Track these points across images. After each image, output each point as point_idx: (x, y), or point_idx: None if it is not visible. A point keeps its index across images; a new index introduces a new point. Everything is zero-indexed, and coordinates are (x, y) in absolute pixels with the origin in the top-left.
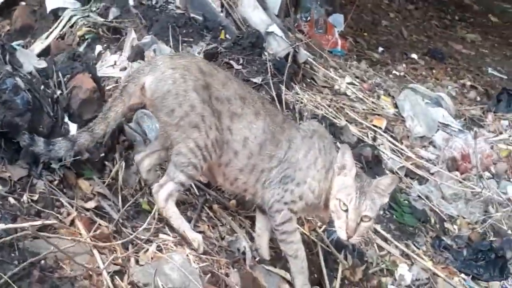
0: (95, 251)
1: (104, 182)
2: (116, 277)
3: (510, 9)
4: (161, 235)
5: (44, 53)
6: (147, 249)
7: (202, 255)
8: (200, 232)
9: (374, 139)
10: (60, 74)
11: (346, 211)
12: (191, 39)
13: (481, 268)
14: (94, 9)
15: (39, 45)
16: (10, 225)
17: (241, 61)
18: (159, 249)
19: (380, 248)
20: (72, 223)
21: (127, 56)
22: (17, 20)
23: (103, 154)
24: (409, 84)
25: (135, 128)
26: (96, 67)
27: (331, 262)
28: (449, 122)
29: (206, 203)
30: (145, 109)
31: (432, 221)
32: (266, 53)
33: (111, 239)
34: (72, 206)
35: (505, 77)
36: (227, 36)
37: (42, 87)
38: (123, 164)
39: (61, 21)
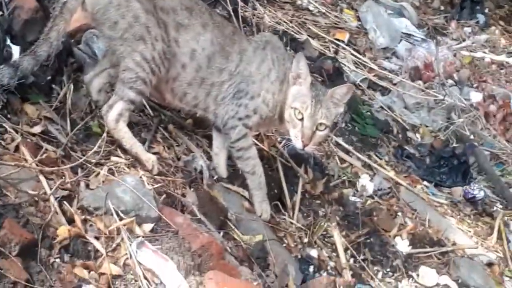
0: (41, 177)
1: (51, 106)
2: (65, 202)
3: None
4: (113, 158)
5: None
6: (98, 173)
7: (156, 176)
8: (155, 153)
9: (336, 52)
10: None
11: (302, 119)
12: None
13: (444, 174)
14: None
15: None
16: None
17: None
18: (111, 172)
19: (342, 160)
20: (17, 149)
21: None
22: None
23: (49, 77)
24: None
25: (85, 49)
26: None
27: (291, 176)
28: (412, 32)
29: (161, 123)
30: (94, 29)
31: (395, 131)
32: None
33: (59, 164)
34: (17, 132)
35: None
36: None
37: None
38: (72, 86)
39: None
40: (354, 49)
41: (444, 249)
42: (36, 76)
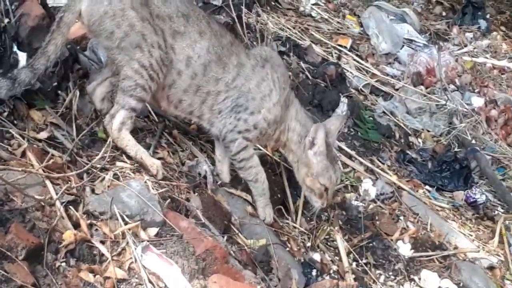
0: (47, 182)
1: (57, 112)
2: (71, 207)
3: None
4: (118, 163)
5: None
6: (103, 178)
7: (161, 181)
8: (159, 158)
9: (339, 58)
10: (7, 1)
11: (327, 189)
12: None
13: (446, 179)
14: None
15: None
16: None
17: None
18: (116, 177)
19: (345, 165)
20: (24, 154)
21: None
22: None
23: (55, 84)
24: (374, 2)
25: (90, 56)
26: None
27: (294, 181)
28: (414, 38)
29: (166, 129)
30: None
31: (397, 135)
32: None
33: (65, 169)
34: (23, 137)
35: None
36: None
37: None
38: (77, 93)
39: None
40: (357, 55)
41: (445, 253)
42: (42, 82)
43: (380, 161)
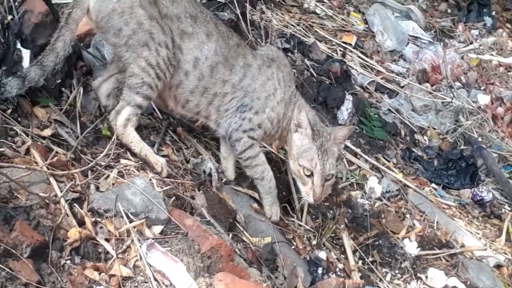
0: (52, 180)
1: (61, 109)
2: (75, 204)
3: None
4: (122, 161)
5: None
6: (108, 175)
7: (166, 179)
8: (164, 156)
9: (344, 55)
10: None
11: (311, 175)
12: None
13: (452, 177)
14: None
15: None
16: None
17: None
18: (121, 174)
19: (350, 163)
20: (28, 152)
21: None
22: None
23: (59, 81)
24: None
25: (94, 53)
26: None
27: None
28: (419, 35)
29: (170, 126)
30: None
31: (402, 133)
32: None
33: (69, 167)
34: (27, 135)
35: None
36: None
37: None
38: (81, 90)
39: None
40: (362, 52)
41: (452, 251)
42: (46, 79)
43: (385, 159)
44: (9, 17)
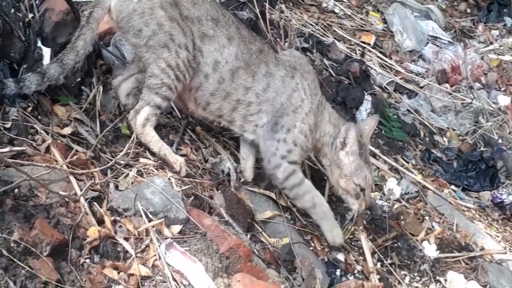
0: (71, 178)
1: (81, 108)
2: (95, 203)
3: None
4: (141, 159)
5: None
6: (127, 174)
7: (184, 178)
8: (182, 155)
9: (362, 55)
10: None
11: (363, 190)
12: None
13: (472, 179)
14: None
15: None
16: None
17: None
18: (140, 173)
19: None
20: (48, 150)
21: None
22: None
23: (79, 79)
24: None
25: (114, 51)
26: None
27: (318, 179)
28: (438, 35)
29: (189, 125)
30: None
31: (422, 134)
32: None
33: (89, 165)
34: (47, 133)
35: None
36: None
37: (13, 10)
38: (101, 88)
39: None
40: (380, 52)
41: (472, 254)
42: (66, 78)
43: (404, 160)
44: (30, 15)
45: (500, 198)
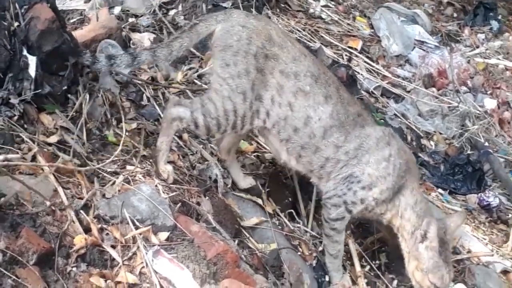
0: (58, 186)
1: (67, 116)
2: (81, 211)
3: None
4: (128, 167)
5: None
6: (114, 182)
7: (172, 185)
8: (170, 162)
9: (349, 60)
10: (17, 5)
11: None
12: None
13: (459, 182)
14: None
15: None
16: None
17: None
18: (127, 181)
19: None
20: (34, 158)
21: None
22: None
23: (65, 87)
24: (385, 3)
25: None
26: None
27: (305, 185)
28: (425, 39)
29: (176, 132)
30: (110, 39)
31: (409, 138)
32: None
33: (75, 174)
34: (33, 142)
35: None
36: None
37: None
38: (87, 96)
39: None
40: (367, 57)
41: (459, 257)
42: (52, 86)
43: None
44: (16, 24)
45: (487, 201)
